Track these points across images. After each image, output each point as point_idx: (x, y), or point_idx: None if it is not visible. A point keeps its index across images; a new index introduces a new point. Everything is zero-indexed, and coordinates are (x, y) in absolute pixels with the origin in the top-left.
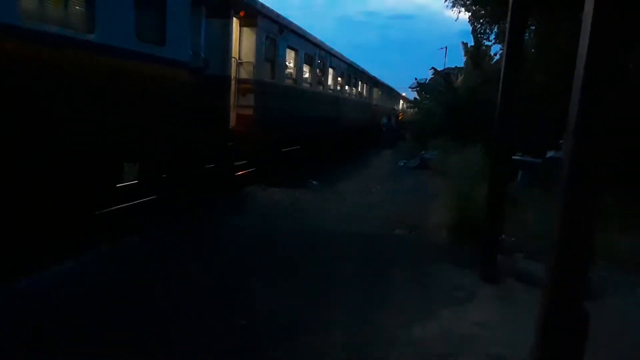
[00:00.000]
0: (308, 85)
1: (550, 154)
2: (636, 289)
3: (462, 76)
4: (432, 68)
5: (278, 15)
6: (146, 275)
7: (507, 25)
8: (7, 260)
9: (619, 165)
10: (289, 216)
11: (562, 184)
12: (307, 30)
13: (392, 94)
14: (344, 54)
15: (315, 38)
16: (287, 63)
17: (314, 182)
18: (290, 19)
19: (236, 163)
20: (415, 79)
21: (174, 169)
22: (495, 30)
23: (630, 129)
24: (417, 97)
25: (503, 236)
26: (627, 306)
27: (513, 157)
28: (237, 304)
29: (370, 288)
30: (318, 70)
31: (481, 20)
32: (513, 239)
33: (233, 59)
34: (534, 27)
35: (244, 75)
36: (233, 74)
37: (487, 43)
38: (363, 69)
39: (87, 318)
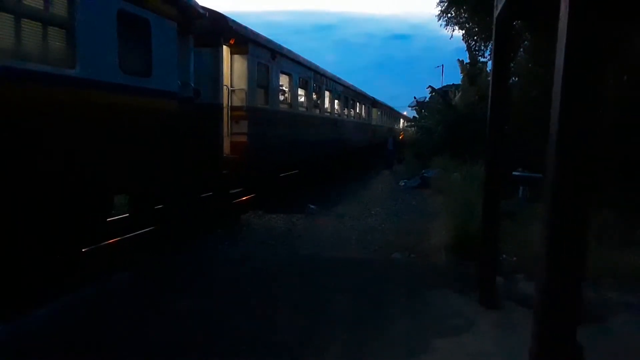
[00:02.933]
0: (304, 109)
1: None
2: None
3: (460, 93)
4: (430, 86)
5: (270, 41)
6: (125, 319)
7: (493, 42)
8: None
9: (620, 181)
10: (285, 244)
11: (545, 201)
12: (302, 55)
13: (391, 114)
14: (343, 77)
15: (309, 62)
16: (281, 88)
17: (312, 206)
18: (283, 44)
19: (232, 191)
20: (415, 97)
21: (168, 200)
22: (490, 46)
23: (627, 143)
24: (417, 115)
25: (504, 256)
26: (630, 328)
27: (513, 172)
28: (220, 346)
29: (366, 320)
30: (314, 93)
31: (475, 38)
32: (514, 258)
33: (225, 87)
34: (527, 43)
35: (236, 102)
36: (225, 102)
37: (482, 60)
38: (361, 90)
39: None
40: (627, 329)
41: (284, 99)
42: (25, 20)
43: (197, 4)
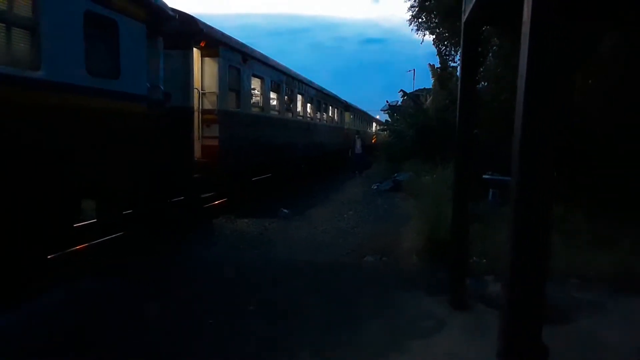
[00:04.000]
0: (276, 112)
1: None
2: (606, 308)
3: (431, 97)
4: (401, 90)
5: (241, 44)
6: (91, 325)
7: (461, 47)
8: None
9: (587, 181)
10: (257, 247)
11: (510, 202)
12: (275, 58)
13: (364, 117)
14: (316, 80)
15: (281, 65)
16: (252, 92)
17: (285, 210)
18: (257, 47)
19: (203, 195)
20: (387, 101)
21: (138, 204)
22: (460, 51)
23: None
24: (389, 119)
25: (474, 258)
26: (597, 328)
27: (483, 176)
28: (187, 351)
29: (337, 322)
30: (286, 97)
31: (445, 43)
32: (484, 260)
33: (196, 90)
34: (495, 48)
35: (207, 105)
36: (196, 105)
37: (452, 64)
38: (333, 93)
39: None
40: (593, 329)
41: (255, 103)
42: None
43: (167, 6)
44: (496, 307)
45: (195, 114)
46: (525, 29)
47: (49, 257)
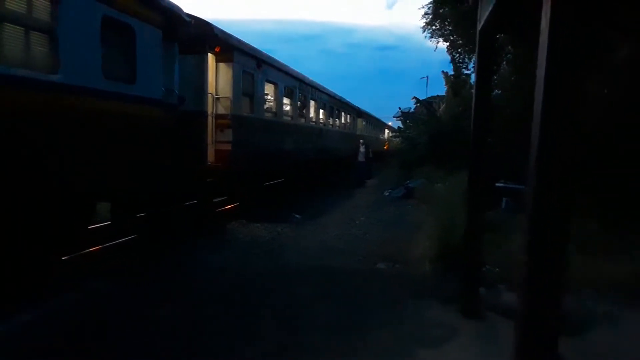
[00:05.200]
0: (289, 118)
1: None
2: (622, 320)
3: (444, 105)
4: (414, 97)
5: (255, 49)
6: (104, 327)
7: (476, 54)
8: None
9: (602, 191)
10: (269, 252)
11: (526, 211)
12: (287, 64)
13: (376, 124)
14: (328, 86)
15: (295, 71)
16: (266, 97)
17: (297, 215)
18: (270, 53)
19: (216, 199)
20: (399, 108)
21: (151, 207)
22: (474, 59)
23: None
24: (402, 126)
25: (487, 267)
26: (613, 339)
27: (496, 184)
28: (197, 354)
29: (349, 329)
30: (299, 102)
31: (459, 50)
32: (497, 269)
33: (210, 95)
34: (510, 56)
35: (221, 110)
36: (210, 110)
37: (465, 72)
38: (346, 100)
39: None
40: (608, 340)
41: (269, 108)
42: (7, 24)
43: (182, 11)
44: (509, 316)
45: (209, 118)
46: (544, 37)
47: (63, 258)
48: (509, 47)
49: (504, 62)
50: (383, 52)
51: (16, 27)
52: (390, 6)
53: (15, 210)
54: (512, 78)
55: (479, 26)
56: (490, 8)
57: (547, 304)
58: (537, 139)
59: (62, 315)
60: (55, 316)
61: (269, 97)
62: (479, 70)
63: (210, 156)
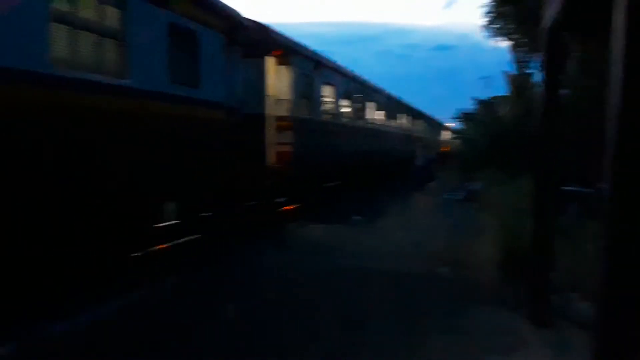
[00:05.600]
0: (347, 119)
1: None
2: None
3: (507, 106)
4: (475, 98)
5: (313, 52)
6: (175, 323)
7: (543, 53)
8: (38, 304)
9: None
10: (328, 254)
11: (603, 217)
12: (345, 66)
13: (434, 125)
14: (385, 87)
15: (352, 72)
16: (324, 99)
17: (356, 217)
18: (327, 55)
19: (276, 200)
20: (459, 109)
21: (215, 207)
22: (538, 58)
23: None
24: (462, 126)
25: (557, 273)
26: None
27: (563, 187)
28: (263, 352)
29: (409, 335)
30: (356, 104)
31: (522, 49)
32: (567, 276)
33: (269, 97)
34: (577, 54)
35: (281, 112)
36: (270, 112)
37: (528, 71)
38: (404, 101)
39: None
40: None
41: (327, 109)
42: (83, 32)
43: (242, 16)
44: (580, 324)
45: (269, 120)
46: (619, 34)
47: (132, 255)
48: (576, 44)
49: (571, 62)
50: (441, 52)
51: (91, 34)
52: (448, 5)
53: (91, 211)
54: (580, 78)
55: (546, 24)
56: (557, 6)
57: (627, 313)
58: (614, 139)
59: (133, 311)
60: (127, 312)
61: (327, 98)
62: (547, 70)
63: (272, 158)
